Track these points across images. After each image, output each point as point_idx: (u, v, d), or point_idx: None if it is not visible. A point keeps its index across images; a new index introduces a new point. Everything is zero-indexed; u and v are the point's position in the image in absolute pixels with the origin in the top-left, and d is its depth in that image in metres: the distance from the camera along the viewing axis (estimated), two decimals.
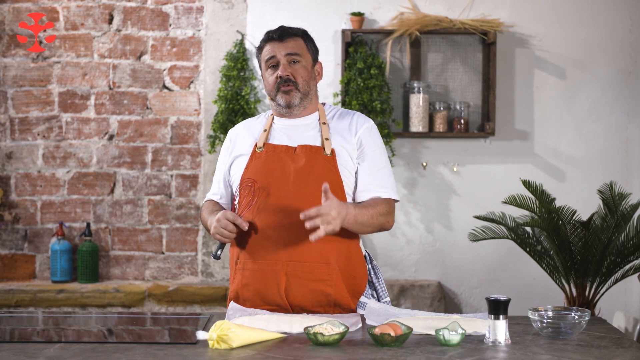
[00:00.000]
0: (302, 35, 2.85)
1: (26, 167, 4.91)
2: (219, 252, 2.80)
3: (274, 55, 2.79)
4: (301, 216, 2.52)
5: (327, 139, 2.75)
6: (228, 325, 2.24)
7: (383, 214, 2.74)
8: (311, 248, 2.67)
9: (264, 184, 2.72)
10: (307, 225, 2.52)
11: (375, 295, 2.83)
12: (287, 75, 2.77)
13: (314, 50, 2.87)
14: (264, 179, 2.73)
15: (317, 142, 2.77)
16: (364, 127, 2.81)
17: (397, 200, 2.83)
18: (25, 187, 4.91)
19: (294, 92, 2.78)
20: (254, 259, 2.72)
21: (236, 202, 2.83)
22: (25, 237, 4.92)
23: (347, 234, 2.74)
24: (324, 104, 2.90)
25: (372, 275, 2.83)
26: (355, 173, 2.78)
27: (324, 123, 2.81)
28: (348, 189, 2.76)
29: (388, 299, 2.85)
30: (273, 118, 2.87)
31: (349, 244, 2.75)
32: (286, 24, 4.74)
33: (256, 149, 2.80)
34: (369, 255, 2.88)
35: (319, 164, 2.71)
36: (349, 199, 2.77)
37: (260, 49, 2.86)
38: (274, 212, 2.69)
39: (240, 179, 2.79)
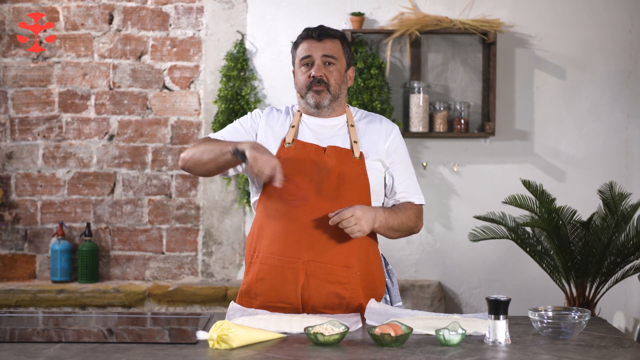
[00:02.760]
0: (341, 37, 2.83)
1: (26, 167, 4.91)
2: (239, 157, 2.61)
3: (309, 55, 2.77)
4: (330, 222, 2.61)
5: (355, 142, 2.76)
6: (228, 325, 2.24)
7: (412, 218, 2.80)
8: (333, 250, 2.67)
9: (288, 181, 2.68)
10: (331, 222, 2.61)
11: (388, 299, 2.83)
12: (321, 76, 2.76)
13: (349, 55, 2.86)
14: (292, 176, 2.69)
15: (346, 144, 2.77)
16: (394, 133, 2.85)
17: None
18: (25, 187, 4.91)
19: (324, 93, 2.77)
20: (275, 255, 2.69)
21: (256, 196, 2.80)
22: (25, 237, 4.92)
23: (367, 237, 2.75)
24: (348, 106, 2.90)
25: (386, 279, 2.84)
26: (385, 178, 2.80)
27: (352, 125, 2.81)
28: (376, 192, 2.76)
29: (400, 303, 2.86)
30: (301, 114, 2.85)
31: (369, 247, 2.76)
32: (286, 24, 4.81)
33: (284, 144, 2.76)
34: (384, 258, 2.88)
35: (348, 167, 2.72)
36: (377, 203, 2.79)
37: (296, 45, 2.84)
38: (300, 211, 2.68)
39: None
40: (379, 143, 2.80)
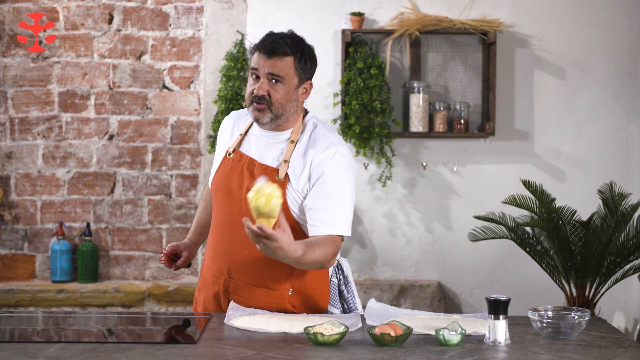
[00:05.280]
0: (296, 54, 2.63)
1: (26, 167, 4.91)
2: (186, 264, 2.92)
3: (257, 68, 2.63)
4: (245, 222, 2.32)
5: (285, 161, 2.64)
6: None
7: (328, 258, 2.55)
8: (253, 270, 2.63)
9: (222, 194, 2.71)
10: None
11: (346, 306, 2.75)
12: (263, 95, 2.61)
13: (305, 71, 2.66)
14: (224, 189, 2.71)
15: (278, 162, 2.66)
16: (322, 157, 2.62)
17: (343, 237, 2.65)
18: (25, 187, 4.91)
19: (265, 111, 2.62)
20: (208, 268, 2.77)
21: None
22: (25, 237, 4.92)
23: None
24: (306, 113, 2.75)
25: (341, 287, 2.75)
26: (305, 200, 2.62)
27: (292, 142, 2.67)
28: (299, 217, 2.64)
29: (358, 310, 2.75)
30: (253, 122, 2.76)
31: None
32: (286, 24, 4.79)
33: (227, 155, 2.75)
34: (340, 265, 2.77)
35: None
36: (301, 224, 2.66)
37: (253, 49, 2.69)
38: (224, 224, 2.69)
39: (210, 183, 2.82)
40: (303, 167, 2.62)
